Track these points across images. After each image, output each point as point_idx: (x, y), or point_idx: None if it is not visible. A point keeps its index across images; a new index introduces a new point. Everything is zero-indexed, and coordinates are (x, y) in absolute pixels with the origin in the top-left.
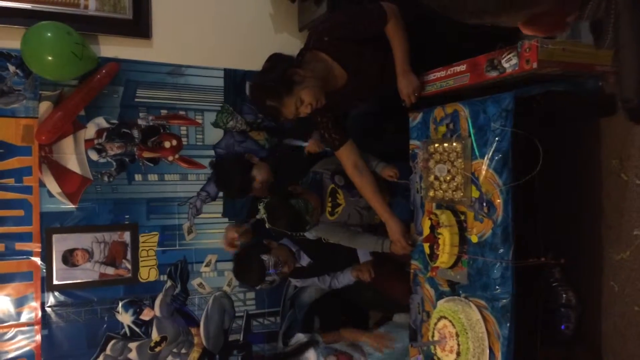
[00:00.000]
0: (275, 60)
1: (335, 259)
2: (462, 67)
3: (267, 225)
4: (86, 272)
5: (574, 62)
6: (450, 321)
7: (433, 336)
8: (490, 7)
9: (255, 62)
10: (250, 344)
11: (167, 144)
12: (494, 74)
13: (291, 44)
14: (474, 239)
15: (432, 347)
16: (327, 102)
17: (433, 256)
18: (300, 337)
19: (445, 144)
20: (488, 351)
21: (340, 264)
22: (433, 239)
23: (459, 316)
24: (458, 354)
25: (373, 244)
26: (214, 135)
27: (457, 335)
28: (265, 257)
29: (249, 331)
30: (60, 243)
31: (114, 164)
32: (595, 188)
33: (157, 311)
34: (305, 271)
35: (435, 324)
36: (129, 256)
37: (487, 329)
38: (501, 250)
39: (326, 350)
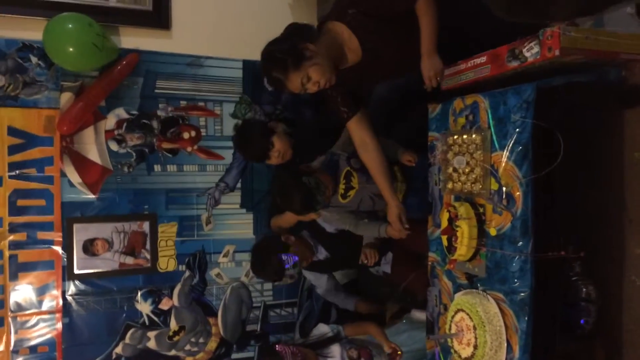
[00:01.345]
0: (291, 31)
1: (353, 254)
2: (483, 59)
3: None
4: (106, 262)
5: (597, 49)
6: (467, 314)
7: (450, 329)
8: None
9: None
10: (268, 335)
11: (186, 135)
12: (515, 63)
13: None
14: (493, 231)
15: (449, 340)
16: (338, 78)
17: (451, 249)
18: (323, 329)
19: (465, 136)
20: (506, 344)
21: (357, 260)
22: (451, 231)
23: (476, 309)
24: (475, 347)
25: (372, 230)
26: (233, 126)
27: (475, 328)
28: (284, 256)
29: (266, 322)
30: (81, 232)
31: (134, 154)
32: (617, 181)
33: (175, 301)
34: (321, 265)
35: (453, 316)
36: (148, 246)
37: (504, 323)
38: (520, 244)
39: (348, 343)
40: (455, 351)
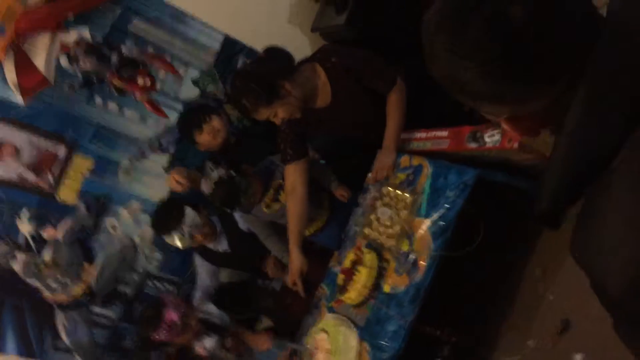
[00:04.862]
0: (270, 59)
1: (252, 258)
2: (444, 133)
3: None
4: (6, 169)
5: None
6: (329, 337)
7: (309, 342)
8: (484, 95)
9: (257, 41)
10: (135, 303)
11: (140, 81)
12: (473, 145)
13: (298, 40)
14: (387, 288)
15: (303, 351)
16: (301, 116)
17: (343, 289)
18: (214, 312)
19: (398, 192)
20: None
21: (255, 266)
22: (350, 273)
23: (339, 337)
24: None
25: (277, 250)
26: (190, 92)
27: (330, 353)
28: (189, 211)
29: (141, 289)
30: None
31: (81, 78)
32: (514, 287)
33: (60, 234)
34: (216, 257)
35: (316, 333)
36: (55, 171)
37: None
38: (405, 309)
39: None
40: None
